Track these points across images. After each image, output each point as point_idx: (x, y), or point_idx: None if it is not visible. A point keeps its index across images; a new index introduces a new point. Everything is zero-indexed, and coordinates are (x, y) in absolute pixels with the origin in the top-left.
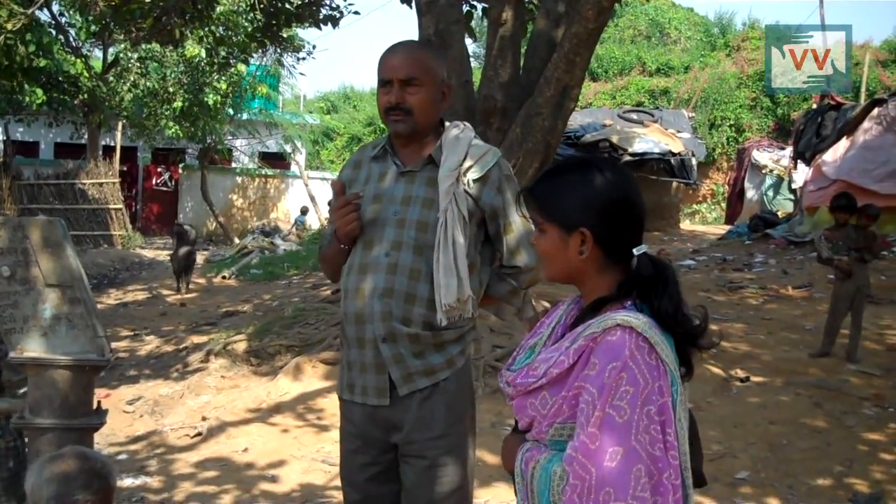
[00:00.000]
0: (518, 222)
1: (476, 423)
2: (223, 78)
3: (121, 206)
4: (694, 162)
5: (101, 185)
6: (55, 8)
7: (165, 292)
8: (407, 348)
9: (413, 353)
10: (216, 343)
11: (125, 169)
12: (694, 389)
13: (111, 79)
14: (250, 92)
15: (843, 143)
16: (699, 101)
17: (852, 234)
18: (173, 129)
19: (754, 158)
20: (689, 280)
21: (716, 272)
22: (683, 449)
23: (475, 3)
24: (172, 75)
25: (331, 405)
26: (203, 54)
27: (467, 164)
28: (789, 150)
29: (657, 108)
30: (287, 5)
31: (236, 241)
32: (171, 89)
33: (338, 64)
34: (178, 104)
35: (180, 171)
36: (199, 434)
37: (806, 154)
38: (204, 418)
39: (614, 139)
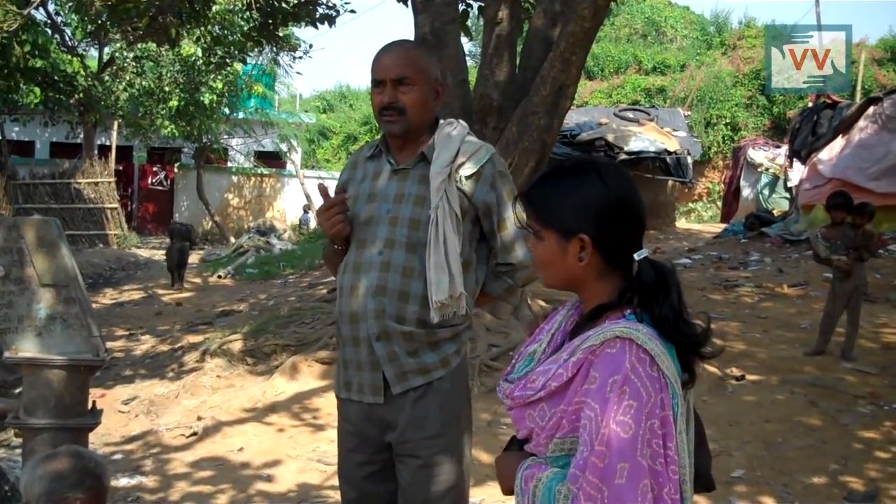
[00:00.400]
0: (512, 219)
1: (472, 423)
2: (219, 77)
3: (116, 205)
4: (690, 160)
5: (96, 184)
6: (51, 7)
7: (161, 292)
8: (401, 346)
9: (407, 352)
10: (212, 342)
11: (121, 168)
12: None
13: (107, 78)
14: (246, 91)
15: (839, 142)
16: (695, 99)
17: (849, 233)
18: (169, 129)
19: (750, 157)
20: (685, 278)
21: (711, 271)
22: (683, 463)
23: (471, 1)
24: (168, 74)
25: (326, 404)
26: (199, 53)
27: (460, 160)
28: (785, 149)
29: (653, 106)
30: (283, 4)
31: (232, 240)
32: (166, 88)
33: (334, 63)
34: (173, 103)
35: (176, 170)
36: (194, 434)
37: (801, 152)
38: (199, 418)
39: (610, 138)
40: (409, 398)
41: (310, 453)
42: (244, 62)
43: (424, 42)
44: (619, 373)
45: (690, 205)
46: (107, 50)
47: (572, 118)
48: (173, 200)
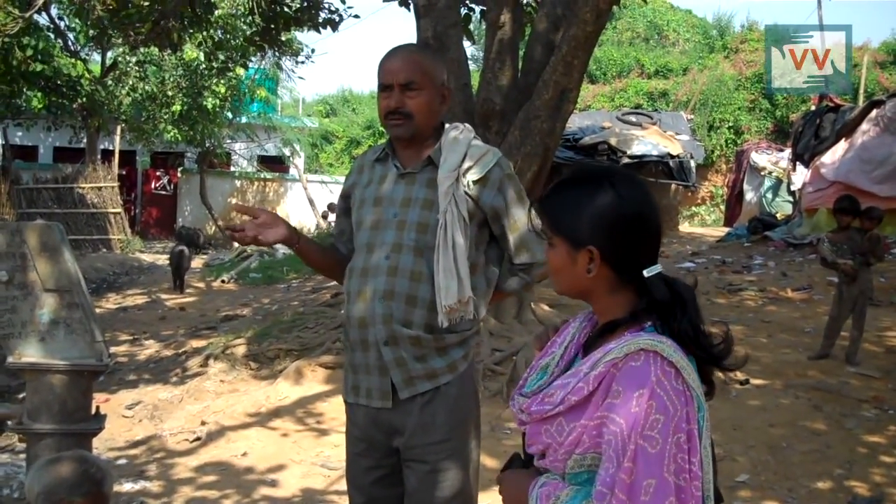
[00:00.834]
0: (522, 220)
1: (480, 428)
2: (222, 81)
3: (119, 210)
4: (692, 164)
5: (99, 189)
6: (54, 12)
7: (165, 296)
8: (409, 351)
9: (415, 357)
10: (215, 347)
11: (124, 173)
12: None
13: (110, 83)
14: (249, 95)
15: (842, 145)
16: (698, 103)
17: (855, 237)
18: (172, 133)
19: (753, 160)
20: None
21: (715, 274)
22: (707, 478)
23: (473, 5)
24: (171, 79)
25: (330, 409)
26: (202, 58)
27: (466, 164)
28: (788, 152)
29: (656, 110)
30: (286, 9)
31: (235, 244)
32: (169, 93)
33: (336, 67)
34: (176, 108)
35: (179, 174)
36: (198, 438)
37: (804, 156)
38: (203, 423)
39: (613, 141)
40: (417, 403)
41: (314, 458)
42: (246, 67)
43: (427, 46)
44: (644, 386)
45: (693, 208)
46: (110, 54)
47: (575, 122)
48: (177, 205)
